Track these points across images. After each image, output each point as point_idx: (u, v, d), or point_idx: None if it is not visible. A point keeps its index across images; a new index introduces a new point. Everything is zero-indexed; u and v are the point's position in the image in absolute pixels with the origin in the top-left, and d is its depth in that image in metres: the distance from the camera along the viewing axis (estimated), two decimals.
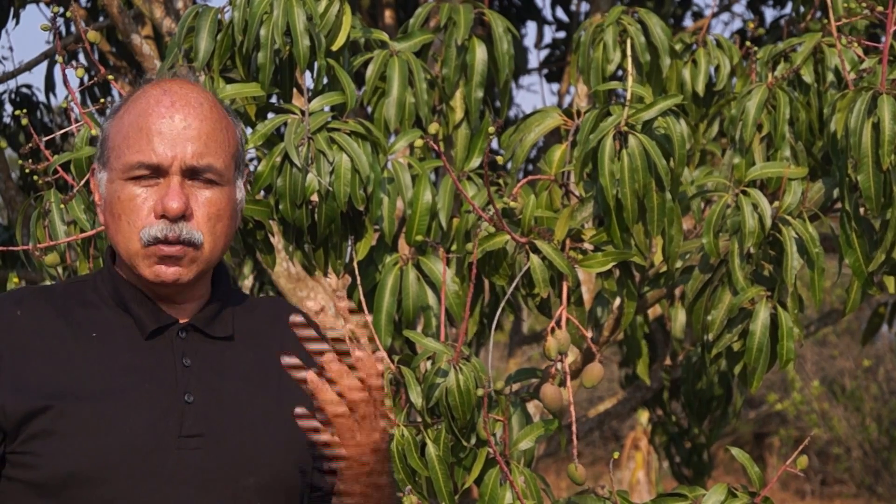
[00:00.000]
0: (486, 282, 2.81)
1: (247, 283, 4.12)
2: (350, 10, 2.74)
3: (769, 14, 8.73)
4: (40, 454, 1.79)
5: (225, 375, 1.91)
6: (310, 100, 2.65)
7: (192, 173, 1.87)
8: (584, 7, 5.25)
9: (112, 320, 1.90)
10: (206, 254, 1.89)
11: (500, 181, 2.86)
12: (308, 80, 2.69)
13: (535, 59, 9.81)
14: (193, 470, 1.81)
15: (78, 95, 2.94)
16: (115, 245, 1.90)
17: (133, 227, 1.86)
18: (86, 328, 1.88)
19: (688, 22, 5.33)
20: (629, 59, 2.75)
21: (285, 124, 2.63)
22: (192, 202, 1.87)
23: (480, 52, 2.98)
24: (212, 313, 1.94)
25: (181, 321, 1.92)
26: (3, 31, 4.30)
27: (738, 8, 29.24)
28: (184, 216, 1.86)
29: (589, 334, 2.62)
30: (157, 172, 1.86)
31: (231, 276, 2.71)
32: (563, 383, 2.54)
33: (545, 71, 5.51)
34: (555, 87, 6.10)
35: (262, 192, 2.73)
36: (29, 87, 4.74)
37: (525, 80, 14.64)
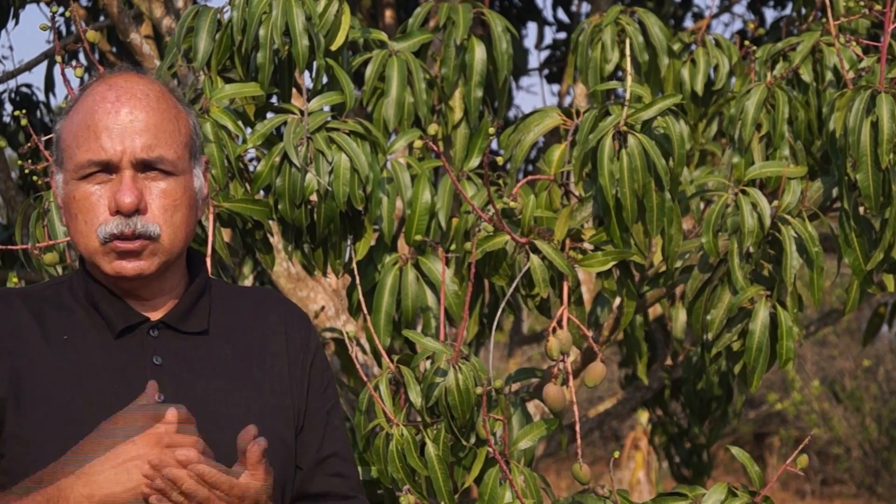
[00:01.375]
0: (486, 282, 2.81)
1: (247, 283, 4.12)
2: (349, 9, 2.74)
3: (769, 14, 8.72)
4: (12, 458, 1.80)
5: (198, 372, 1.89)
6: (309, 100, 2.65)
7: (143, 166, 1.86)
8: (585, 8, 5.25)
9: (84, 321, 1.89)
10: (166, 245, 1.87)
11: (500, 181, 2.86)
12: (307, 80, 2.70)
13: (535, 59, 9.81)
14: None
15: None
16: (76, 245, 1.90)
17: (90, 226, 1.86)
18: (58, 330, 1.88)
19: (688, 23, 5.33)
20: (627, 59, 2.75)
21: (284, 124, 2.63)
22: (147, 195, 1.86)
23: (479, 52, 2.98)
24: (185, 308, 1.92)
25: (153, 318, 1.91)
26: (3, 31, 4.30)
27: (739, 9, 29.22)
28: (138, 210, 1.85)
29: (590, 334, 2.62)
30: (108, 169, 1.85)
31: (231, 275, 2.71)
32: (565, 383, 2.54)
33: (545, 72, 5.51)
34: (555, 87, 6.11)
35: (262, 192, 2.73)
36: (29, 86, 4.74)
37: (525, 80, 14.63)
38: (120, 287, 1.90)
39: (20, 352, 1.85)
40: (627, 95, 2.58)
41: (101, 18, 4.61)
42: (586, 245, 2.62)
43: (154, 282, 1.90)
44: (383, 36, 2.91)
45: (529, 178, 2.74)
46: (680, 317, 3.70)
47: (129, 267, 1.86)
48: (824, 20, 3.07)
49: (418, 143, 2.43)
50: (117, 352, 1.87)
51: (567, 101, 4.96)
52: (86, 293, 1.92)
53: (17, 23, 4.22)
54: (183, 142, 1.91)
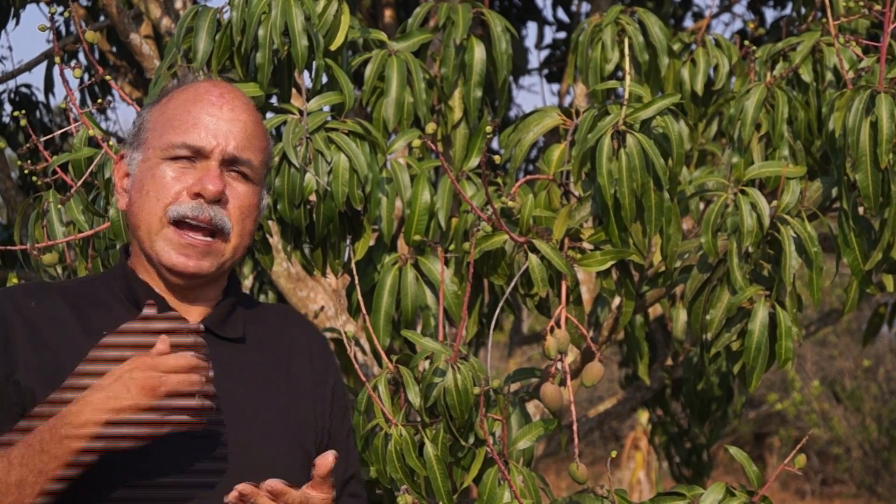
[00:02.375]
0: (486, 282, 2.81)
1: (247, 283, 4.12)
2: (348, 9, 2.74)
3: (770, 14, 8.72)
4: None
5: (235, 377, 1.90)
6: (308, 100, 2.65)
7: (230, 162, 1.89)
8: (585, 7, 5.25)
9: (124, 318, 1.87)
10: (231, 247, 1.89)
11: (499, 181, 2.86)
12: (306, 80, 2.70)
13: (535, 59, 9.80)
14: (202, 471, 1.80)
15: (77, 95, 2.95)
16: (137, 224, 1.88)
17: (159, 203, 1.85)
18: (98, 326, 1.86)
19: (688, 23, 5.33)
20: (627, 59, 2.75)
21: (284, 124, 2.63)
22: (228, 191, 1.88)
23: (479, 52, 2.98)
24: (223, 314, 1.93)
25: (193, 321, 1.90)
26: (3, 31, 4.30)
27: (739, 9, 29.21)
28: (219, 201, 1.86)
29: (589, 334, 2.62)
30: (197, 155, 1.88)
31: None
32: (563, 383, 2.54)
33: (546, 71, 5.51)
34: (555, 87, 6.10)
35: None
36: (28, 86, 4.75)
37: (526, 80, 14.63)
38: (167, 281, 1.90)
39: (61, 344, 1.84)
40: (626, 95, 2.57)
41: (101, 18, 4.61)
42: (585, 245, 2.62)
43: (202, 286, 1.90)
44: (383, 36, 2.91)
45: (528, 177, 2.74)
46: (680, 317, 3.70)
47: (191, 265, 1.86)
48: (824, 20, 3.07)
49: (417, 143, 2.42)
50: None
51: (567, 100, 4.97)
52: (126, 290, 1.91)
53: (17, 23, 4.23)
54: (265, 156, 1.97)
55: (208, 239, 1.86)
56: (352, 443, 2.09)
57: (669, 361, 4.04)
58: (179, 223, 1.86)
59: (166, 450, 1.78)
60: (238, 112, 1.92)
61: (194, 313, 1.92)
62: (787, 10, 5.19)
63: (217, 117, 1.89)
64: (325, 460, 1.77)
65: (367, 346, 3.47)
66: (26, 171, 2.85)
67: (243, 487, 1.72)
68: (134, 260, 1.93)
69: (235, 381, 1.90)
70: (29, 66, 4.04)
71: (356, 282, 2.63)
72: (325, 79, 2.75)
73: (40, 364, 1.81)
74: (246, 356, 1.94)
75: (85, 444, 1.67)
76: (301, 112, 2.62)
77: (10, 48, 4.94)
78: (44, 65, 4.40)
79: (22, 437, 1.70)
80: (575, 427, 2.52)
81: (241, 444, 1.85)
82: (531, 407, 3.49)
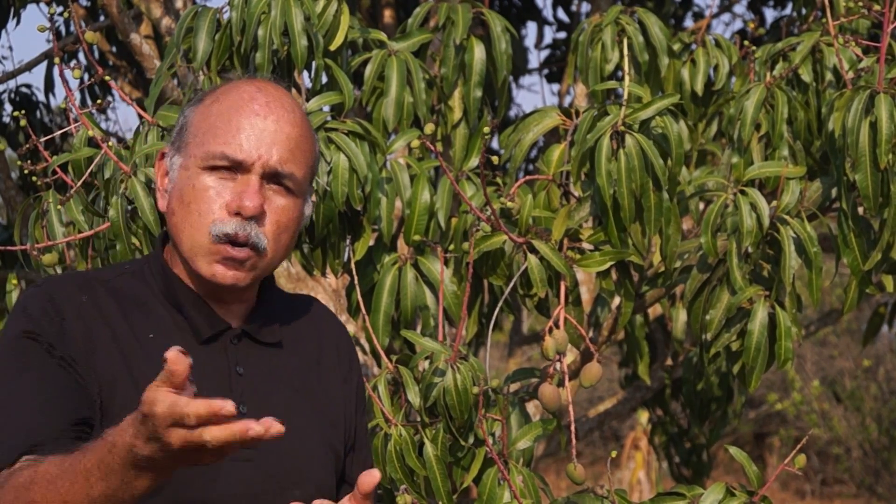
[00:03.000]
0: (485, 282, 2.81)
1: None
2: (348, 9, 2.74)
3: (770, 14, 8.71)
4: None
5: (274, 384, 1.88)
6: (308, 99, 2.65)
7: (272, 176, 1.83)
8: (585, 7, 5.25)
9: (167, 321, 1.85)
10: (267, 261, 1.85)
11: (499, 181, 2.86)
12: (306, 80, 2.70)
13: (535, 59, 9.80)
14: (243, 481, 1.79)
15: (77, 95, 2.95)
16: (179, 234, 1.84)
17: (203, 219, 1.81)
18: (143, 327, 1.83)
19: (688, 22, 5.33)
20: (626, 59, 2.75)
21: None
22: (266, 206, 1.82)
23: (479, 52, 2.98)
24: (262, 319, 1.91)
25: (233, 325, 1.88)
26: (3, 31, 4.30)
27: (739, 8, 29.20)
28: (256, 218, 1.81)
29: (588, 334, 2.62)
30: (237, 168, 1.82)
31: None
32: (561, 383, 2.54)
33: (546, 71, 5.51)
34: (555, 87, 6.10)
35: None
36: (29, 86, 4.75)
37: (526, 80, 14.63)
38: (205, 288, 1.87)
39: (111, 343, 1.80)
40: (626, 95, 2.57)
41: (101, 18, 4.61)
42: (584, 245, 2.62)
43: (239, 291, 1.89)
44: (382, 36, 2.91)
45: (528, 177, 2.74)
46: (680, 317, 3.70)
47: (230, 275, 1.82)
48: (824, 20, 3.07)
49: (416, 143, 2.43)
50: (203, 357, 1.82)
51: (567, 100, 4.97)
52: (165, 290, 1.87)
53: (17, 23, 4.23)
54: (310, 165, 1.89)
55: (247, 251, 1.83)
56: (370, 440, 2.06)
57: (669, 361, 4.04)
58: (222, 240, 1.83)
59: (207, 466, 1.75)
60: (283, 122, 1.83)
61: (231, 315, 1.90)
62: (788, 10, 5.19)
63: (260, 128, 1.81)
64: (371, 478, 1.70)
65: (366, 346, 3.47)
66: (26, 171, 2.85)
67: None
68: (171, 258, 1.90)
69: (274, 388, 1.88)
70: (29, 66, 4.04)
71: (356, 282, 2.63)
72: (324, 79, 2.75)
73: (92, 364, 1.77)
74: (282, 360, 1.91)
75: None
76: None
77: (10, 48, 4.94)
78: (44, 65, 4.40)
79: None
80: (573, 428, 2.53)
81: (283, 454, 1.82)
82: (531, 407, 3.49)
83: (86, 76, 4.36)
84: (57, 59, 2.70)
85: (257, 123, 1.82)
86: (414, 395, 2.44)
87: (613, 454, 2.36)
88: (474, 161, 2.89)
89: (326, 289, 3.68)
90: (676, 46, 3.33)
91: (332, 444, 1.91)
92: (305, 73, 2.69)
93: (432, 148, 2.33)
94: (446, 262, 2.69)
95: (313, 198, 1.93)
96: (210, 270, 1.82)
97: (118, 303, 1.84)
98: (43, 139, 2.87)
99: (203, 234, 1.81)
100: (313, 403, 1.92)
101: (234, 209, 1.80)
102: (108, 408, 1.76)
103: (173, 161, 1.88)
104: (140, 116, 2.69)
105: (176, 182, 1.86)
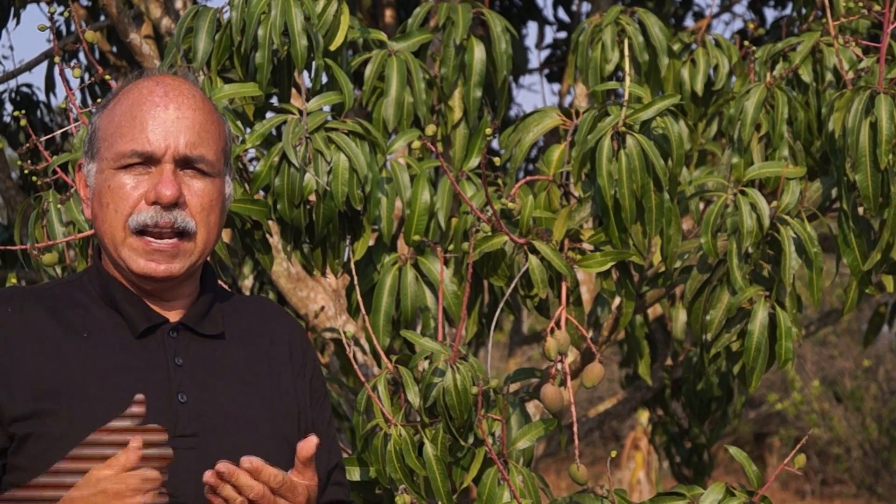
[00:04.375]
0: (486, 282, 2.81)
1: (247, 283, 4.12)
2: (348, 9, 2.74)
3: (770, 14, 8.71)
4: (34, 456, 1.78)
5: (216, 374, 1.90)
6: (308, 99, 2.65)
7: (184, 163, 1.86)
8: (586, 7, 5.25)
9: (102, 320, 1.88)
10: (200, 245, 1.88)
11: (499, 181, 2.86)
12: (306, 80, 2.70)
13: (536, 59, 9.80)
14: (188, 469, 1.81)
15: (78, 95, 2.95)
16: (102, 236, 1.89)
17: (120, 215, 1.85)
18: (77, 328, 1.87)
19: (689, 22, 5.33)
20: (626, 59, 2.75)
21: (283, 124, 2.63)
22: (185, 191, 1.86)
23: (479, 52, 2.98)
24: (202, 311, 1.93)
25: (171, 320, 1.91)
26: (4, 31, 4.30)
27: (739, 8, 29.20)
28: (177, 204, 1.85)
29: (588, 334, 2.62)
30: (149, 161, 1.85)
31: (231, 275, 2.71)
32: (563, 383, 2.54)
33: (546, 71, 5.52)
34: (556, 87, 6.10)
35: (261, 192, 2.73)
36: (29, 86, 4.75)
37: (526, 80, 14.64)
38: (141, 287, 1.90)
39: (38, 350, 1.84)
40: (626, 96, 2.57)
41: (101, 18, 4.61)
42: (585, 245, 2.62)
43: (177, 285, 1.90)
44: (383, 36, 2.91)
45: (528, 178, 2.74)
46: (680, 317, 3.71)
47: (162, 269, 1.86)
48: (824, 20, 3.07)
49: (416, 144, 2.43)
50: (139, 351, 1.87)
51: (567, 100, 4.97)
52: (102, 291, 1.91)
53: (17, 23, 4.23)
54: (220, 146, 1.92)
55: (174, 241, 1.86)
56: (333, 430, 2.07)
57: (669, 361, 4.04)
58: (142, 231, 1.85)
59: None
60: (185, 109, 1.87)
61: (171, 311, 1.92)
62: (788, 10, 5.19)
63: (164, 119, 1.85)
64: (308, 444, 1.77)
65: (366, 347, 3.47)
66: (26, 171, 2.85)
67: (221, 467, 1.72)
68: (108, 261, 1.93)
69: (218, 378, 1.90)
70: (29, 66, 4.04)
71: (356, 282, 2.63)
72: (324, 79, 2.75)
73: (10, 373, 1.81)
74: (227, 352, 1.94)
75: None
76: (301, 112, 2.62)
77: (10, 48, 4.93)
78: (44, 64, 4.40)
79: None
80: (575, 428, 2.53)
81: (228, 442, 1.85)
82: (531, 407, 3.49)
83: (86, 76, 4.36)
84: (57, 59, 2.70)
85: (160, 115, 1.86)
86: (414, 396, 2.44)
87: (613, 454, 2.36)
88: (474, 161, 2.89)
89: (326, 289, 3.68)
90: (676, 46, 3.33)
91: (284, 435, 1.92)
92: (305, 73, 2.69)
93: (432, 148, 2.33)
94: (446, 263, 2.69)
95: (230, 189, 1.96)
96: (140, 268, 1.86)
97: (50, 309, 1.88)
98: (43, 139, 2.87)
99: (121, 229, 1.85)
100: (263, 395, 1.93)
101: (153, 200, 1.84)
102: (37, 412, 1.79)
103: (89, 169, 1.92)
104: None
105: (94, 187, 1.90)
